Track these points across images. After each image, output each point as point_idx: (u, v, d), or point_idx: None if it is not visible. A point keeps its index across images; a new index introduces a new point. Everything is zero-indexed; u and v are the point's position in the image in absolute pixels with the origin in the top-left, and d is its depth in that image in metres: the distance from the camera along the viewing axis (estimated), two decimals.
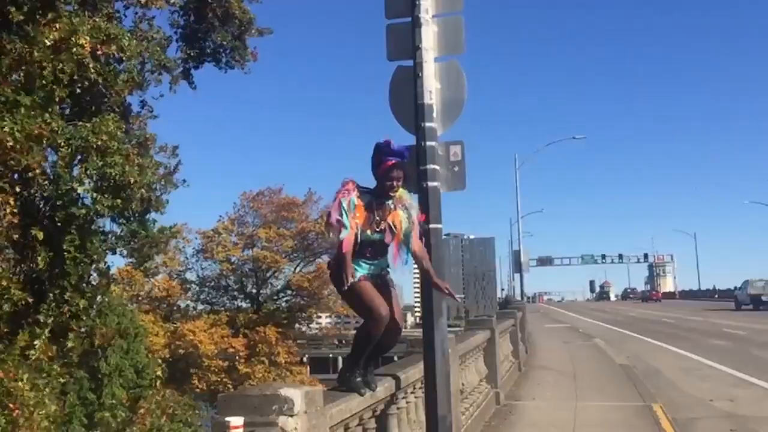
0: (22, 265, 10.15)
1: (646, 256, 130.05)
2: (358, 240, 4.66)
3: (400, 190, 4.80)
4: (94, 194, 10.20)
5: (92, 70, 9.96)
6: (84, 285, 10.69)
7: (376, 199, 4.73)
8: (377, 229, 4.71)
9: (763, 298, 49.32)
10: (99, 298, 11.82)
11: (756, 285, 51.71)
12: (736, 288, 59.15)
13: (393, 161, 4.67)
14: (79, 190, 9.91)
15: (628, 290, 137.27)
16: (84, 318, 11.12)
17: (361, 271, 4.73)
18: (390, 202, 4.77)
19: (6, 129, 8.92)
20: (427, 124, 5.45)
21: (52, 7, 9.85)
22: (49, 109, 9.65)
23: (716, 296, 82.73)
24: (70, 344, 11.32)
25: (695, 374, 15.84)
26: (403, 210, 4.82)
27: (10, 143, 8.95)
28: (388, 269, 4.96)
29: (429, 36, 5.61)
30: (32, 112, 9.32)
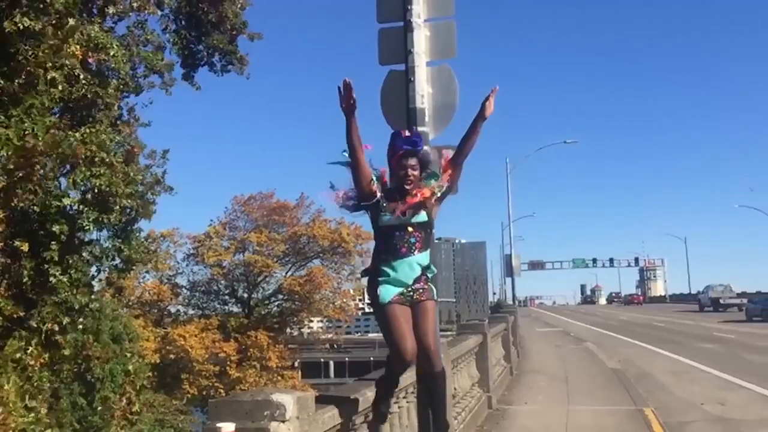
0: (9, 275, 10.04)
1: (636, 260, 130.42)
2: (379, 192, 4.19)
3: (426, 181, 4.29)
4: (80, 206, 10.14)
5: (83, 80, 9.92)
6: (69, 301, 10.57)
7: (399, 192, 4.24)
8: (404, 214, 4.16)
9: (721, 301, 55.41)
10: (87, 311, 11.73)
11: (716, 289, 59.26)
12: (699, 292, 67.06)
13: (404, 150, 4.23)
14: (66, 202, 9.83)
15: (613, 294, 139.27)
16: (69, 333, 11.03)
17: (390, 288, 4.16)
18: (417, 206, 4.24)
19: (27, 130, 8.86)
20: (419, 129, 5.45)
21: (46, 12, 9.80)
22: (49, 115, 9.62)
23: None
24: (66, 353, 11.26)
25: (686, 378, 15.88)
26: (428, 180, 4.32)
27: (37, 146, 8.88)
28: (429, 273, 4.33)
29: (421, 40, 5.62)
30: (43, 115, 9.29)
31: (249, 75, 14.47)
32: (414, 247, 4.16)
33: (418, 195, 4.20)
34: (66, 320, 10.41)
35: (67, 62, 9.48)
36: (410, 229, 4.15)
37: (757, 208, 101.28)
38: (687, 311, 59.11)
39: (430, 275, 4.30)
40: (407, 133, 4.37)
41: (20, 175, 9.09)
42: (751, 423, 10.44)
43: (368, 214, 4.32)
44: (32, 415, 9.29)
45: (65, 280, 9.97)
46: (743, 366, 17.19)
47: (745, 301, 49.56)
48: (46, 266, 9.79)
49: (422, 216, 4.19)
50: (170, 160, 13.54)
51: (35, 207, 9.65)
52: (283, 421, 3.38)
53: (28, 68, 9.44)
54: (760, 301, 42.00)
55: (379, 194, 4.20)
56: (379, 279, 4.17)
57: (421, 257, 4.21)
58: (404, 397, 6.21)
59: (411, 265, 4.16)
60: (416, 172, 4.21)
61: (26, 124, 9.02)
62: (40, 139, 8.96)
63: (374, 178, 4.24)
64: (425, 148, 4.44)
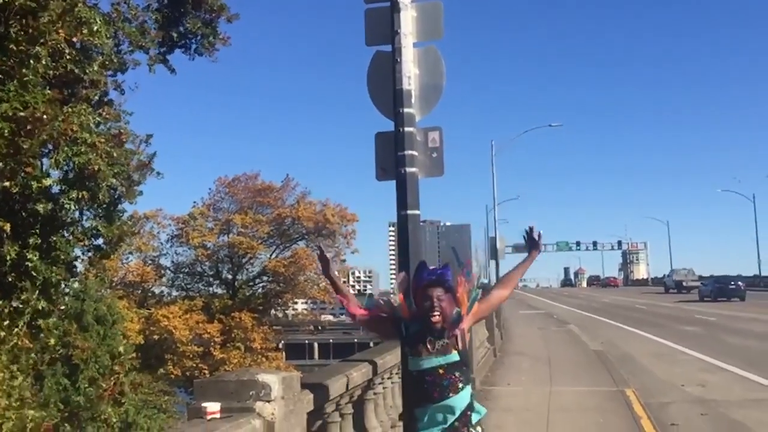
0: None
1: (620, 243, 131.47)
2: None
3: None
4: (62, 186, 10.02)
5: (68, 56, 9.77)
6: (50, 286, 10.48)
7: (426, 328, 3.79)
8: (435, 350, 3.78)
9: (684, 284, 60.34)
10: (67, 292, 11.60)
11: (680, 273, 64.87)
12: (664, 275, 73.25)
13: (429, 280, 3.84)
14: (48, 182, 9.72)
15: (592, 278, 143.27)
16: (51, 317, 10.95)
17: None
18: (445, 334, 3.77)
19: (30, 99, 8.73)
20: (406, 110, 5.43)
21: None
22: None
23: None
24: (52, 341, 11.19)
25: (667, 359, 16.07)
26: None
27: (43, 115, 8.75)
28: (475, 414, 3.84)
29: (408, 21, 5.58)
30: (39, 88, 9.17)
31: (217, 59, 14.27)
32: (448, 390, 3.73)
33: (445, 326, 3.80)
34: (43, 305, 10.32)
35: (51, 38, 9.34)
36: (441, 371, 3.74)
37: (739, 192, 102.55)
38: (652, 293, 63.81)
39: (474, 418, 3.80)
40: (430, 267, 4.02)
41: (3, 152, 8.98)
42: (730, 404, 10.60)
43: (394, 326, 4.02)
44: (16, 392, 9.24)
45: (42, 264, 9.89)
46: (723, 348, 17.41)
47: None
48: (24, 250, 9.69)
49: (453, 356, 3.76)
50: (153, 138, 13.46)
51: (15, 188, 9.54)
52: (269, 401, 3.40)
53: (20, 45, 9.31)
54: (710, 283, 48.12)
55: (404, 332, 3.91)
56: (417, 425, 3.84)
57: (458, 399, 3.75)
58: (389, 378, 6.24)
59: (447, 409, 3.76)
60: (444, 304, 3.76)
61: (27, 97, 8.89)
62: (40, 110, 8.83)
63: (397, 314, 3.96)
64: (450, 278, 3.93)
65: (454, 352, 3.75)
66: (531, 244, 4.32)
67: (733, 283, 46.87)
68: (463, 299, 3.85)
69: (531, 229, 4.31)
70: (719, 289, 45.74)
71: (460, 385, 3.72)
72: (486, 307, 4.06)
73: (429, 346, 3.74)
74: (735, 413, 9.98)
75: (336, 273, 4.23)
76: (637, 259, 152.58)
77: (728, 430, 9.20)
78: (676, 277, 64.28)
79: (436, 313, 3.72)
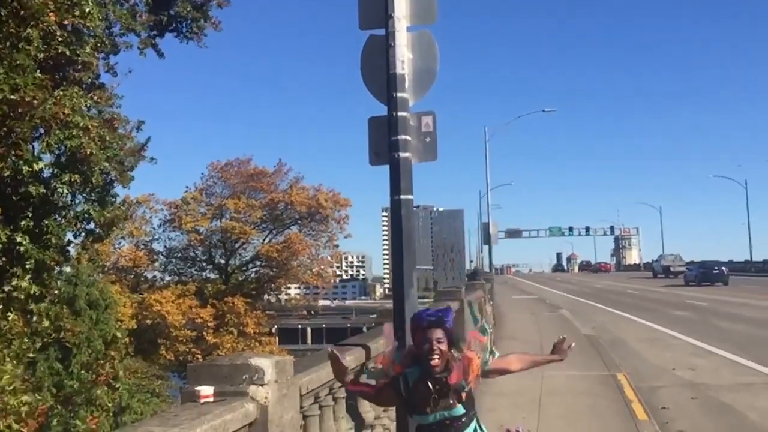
0: None
1: (612, 228, 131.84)
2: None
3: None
4: (54, 170, 9.96)
5: (59, 38, 9.69)
6: (42, 271, 10.44)
7: (427, 373, 3.78)
8: (437, 407, 3.76)
9: (671, 269, 62.36)
10: (59, 276, 11.57)
11: (667, 258, 67.54)
12: (652, 261, 76.15)
13: (428, 321, 3.80)
14: (40, 166, 9.66)
15: (583, 263, 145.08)
16: (42, 302, 10.93)
17: None
18: (444, 374, 3.76)
19: (20, 83, 8.66)
20: (399, 95, 5.41)
21: None
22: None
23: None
24: (45, 323, 11.17)
25: (658, 344, 16.18)
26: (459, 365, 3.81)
27: (33, 99, 8.68)
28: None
29: (401, 5, 5.55)
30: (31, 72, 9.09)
31: (205, 44, 14.17)
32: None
33: (454, 376, 3.77)
34: (35, 289, 10.29)
35: (43, 20, 9.26)
36: (447, 422, 3.79)
37: (731, 178, 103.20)
38: (641, 278, 65.87)
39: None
40: (431, 310, 4.02)
41: None
42: (720, 387, 10.69)
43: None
44: (7, 376, 9.23)
45: (33, 248, 9.84)
46: (714, 333, 17.54)
47: None
48: (14, 234, 9.64)
49: (458, 410, 3.78)
50: (145, 123, 13.40)
51: (6, 171, 9.48)
52: (262, 385, 3.40)
53: (11, 28, 9.22)
54: (694, 269, 49.91)
55: (403, 390, 3.85)
56: None
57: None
58: None
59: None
60: (443, 346, 3.74)
61: (17, 80, 8.81)
62: (30, 94, 8.76)
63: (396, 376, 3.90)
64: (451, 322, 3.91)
65: (459, 405, 3.78)
66: (557, 350, 4.24)
67: (716, 268, 48.49)
68: (473, 369, 3.82)
69: (563, 339, 4.24)
70: (703, 273, 47.27)
71: (465, 429, 3.80)
72: (494, 375, 4.15)
73: (433, 405, 3.74)
74: (724, 396, 10.08)
75: (352, 376, 4.14)
76: (630, 245, 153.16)
77: (718, 413, 9.29)
78: (663, 263, 66.51)
79: (435, 356, 3.71)
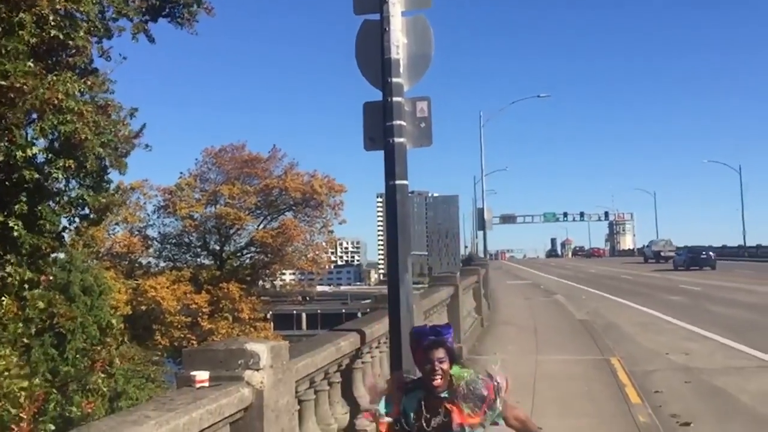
0: None
1: (606, 214, 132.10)
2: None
3: (456, 370, 3.82)
4: (48, 155, 9.91)
5: (52, 23, 9.61)
6: (37, 257, 10.41)
7: (426, 393, 3.81)
8: (433, 426, 3.77)
9: (662, 254, 63.11)
10: (53, 262, 11.54)
11: (658, 243, 68.66)
12: (644, 246, 77.99)
13: (429, 340, 3.80)
14: (33, 151, 9.61)
15: (577, 248, 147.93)
16: (35, 288, 10.92)
17: None
18: (445, 393, 3.77)
19: (10, 69, 8.59)
20: (394, 80, 5.40)
21: None
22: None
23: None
24: (40, 305, 11.15)
25: (652, 328, 16.25)
26: (465, 402, 3.79)
27: (23, 86, 8.62)
28: None
29: None
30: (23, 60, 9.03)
31: (195, 31, 14.07)
32: None
33: (457, 414, 3.74)
34: (29, 275, 10.27)
35: (36, 4, 9.19)
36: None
37: (724, 163, 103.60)
38: (633, 263, 67.06)
39: None
40: (429, 326, 4.00)
41: None
42: (713, 371, 10.76)
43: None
44: (2, 363, 9.23)
45: (27, 233, 9.81)
46: (707, 317, 17.62)
47: None
48: (8, 220, 9.60)
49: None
50: (139, 110, 13.35)
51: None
52: (257, 370, 3.41)
53: (3, 13, 9.15)
54: (683, 253, 51.59)
55: (404, 422, 3.81)
56: None
57: None
58: (377, 347, 6.29)
59: None
60: (444, 366, 3.75)
61: (7, 66, 8.75)
62: (20, 81, 8.71)
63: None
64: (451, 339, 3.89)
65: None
66: None
67: (704, 253, 49.87)
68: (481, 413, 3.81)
69: None
70: (691, 258, 48.63)
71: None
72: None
73: (425, 425, 3.74)
74: (717, 380, 10.14)
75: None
76: (624, 230, 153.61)
77: (710, 397, 9.35)
78: (654, 248, 67.88)
79: (437, 376, 3.72)
